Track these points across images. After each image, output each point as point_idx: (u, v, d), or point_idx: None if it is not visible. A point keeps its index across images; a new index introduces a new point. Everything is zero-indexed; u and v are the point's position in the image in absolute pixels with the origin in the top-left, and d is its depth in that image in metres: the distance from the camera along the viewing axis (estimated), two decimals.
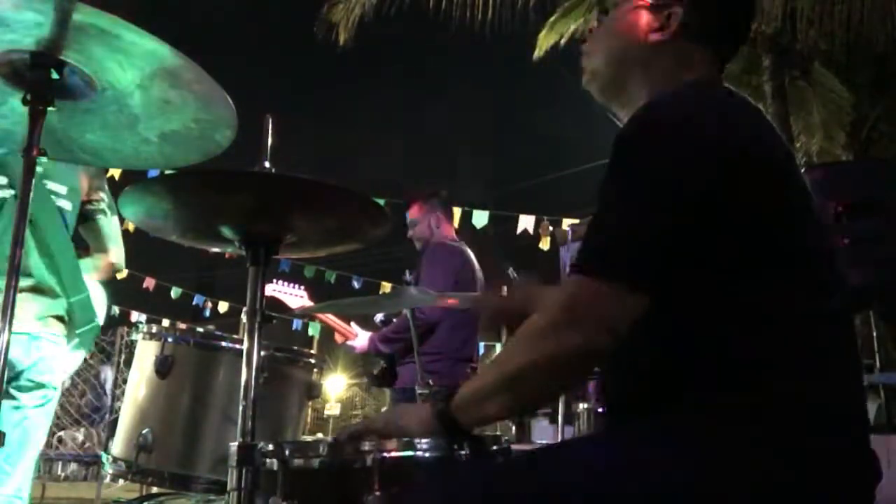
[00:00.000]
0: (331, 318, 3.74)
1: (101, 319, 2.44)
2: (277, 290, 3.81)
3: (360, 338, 3.53)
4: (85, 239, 2.53)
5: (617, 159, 1.11)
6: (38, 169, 2.28)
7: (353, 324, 3.61)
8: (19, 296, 2.16)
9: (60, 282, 2.29)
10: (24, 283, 2.20)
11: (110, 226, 2.52)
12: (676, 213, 1.03)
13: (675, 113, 1.10)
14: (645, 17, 1.27)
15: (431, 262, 3.38)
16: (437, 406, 1.17)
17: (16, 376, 2.21)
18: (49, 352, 2.28)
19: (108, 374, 7.90)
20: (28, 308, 2.23)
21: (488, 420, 1.21)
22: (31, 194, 2.17)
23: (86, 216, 2.48)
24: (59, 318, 2.32)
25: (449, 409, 1.15)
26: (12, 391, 2.20)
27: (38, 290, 2.27)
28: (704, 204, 1.03)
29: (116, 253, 2.54)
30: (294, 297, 3.88)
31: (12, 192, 2.26)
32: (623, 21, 1.30)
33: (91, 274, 2.44)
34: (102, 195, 2.51)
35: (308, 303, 3.94)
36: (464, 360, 3.38)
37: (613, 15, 1.33)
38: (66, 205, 2.38)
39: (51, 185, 2.35)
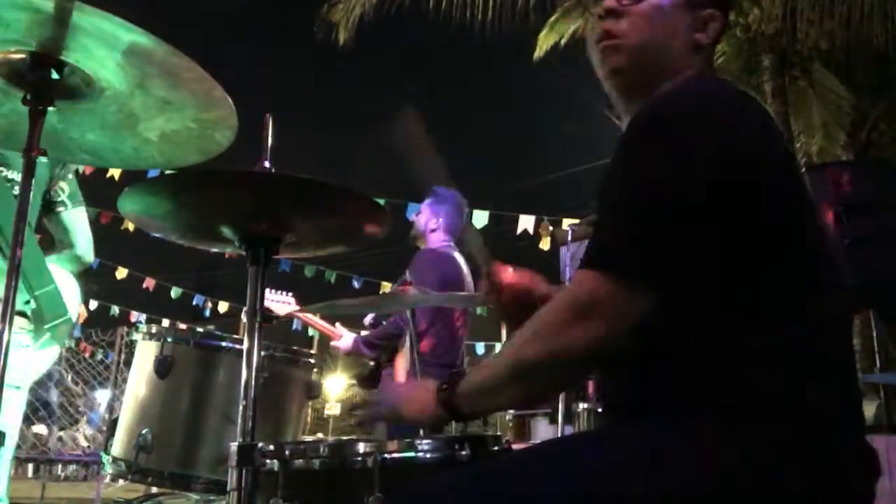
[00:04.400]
0: (314, 320, 3.73)
1: (73, 313, 2.36)
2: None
3: (345, 338, 3.53)
4: (51, 232, 2.48)
5: (628, 153, 1.10)
6: None
7: (337, 325, 3.60)
8: None
9: (25, 278, 2.15)
10: None
11: (72, 218, 2.46)
12: (686, 211, 1.03)
13: (687, 110, 1.10)
14: (686, 15, 1.24)
15: (416, 268, 3.37)
16: (442, 394, 1.16)
17: None
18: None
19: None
20: None
21: (493, 410, 1.21)
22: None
23: (48, 209, 2.41)
24: (21, 314, 2.20)
25: (454, 397, 1.15)
26: None
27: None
28: (712, 202, 1.03)
29: (83, 245, 2.48)
30: (281, 303, 3.87)
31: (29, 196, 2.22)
32: (663, 15, 1.23)
33: (60, 267, 2.38)
34: (63, 185, 2.43)
35: (295, 308, 3.94)
36: (446, 366, 3.36)
37: (651, 7, 1.23)
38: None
39: (9, 174, 2.27)
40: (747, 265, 1.05)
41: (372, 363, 3.49)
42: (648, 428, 1.04)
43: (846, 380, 1.09)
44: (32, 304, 2.20)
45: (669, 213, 1.03)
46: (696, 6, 1.24)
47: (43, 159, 2.31)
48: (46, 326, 2.24)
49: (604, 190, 1.12)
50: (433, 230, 3.55)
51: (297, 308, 3.97)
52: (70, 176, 2.51)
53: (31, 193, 2.25)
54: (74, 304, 2.39)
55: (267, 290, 3.89)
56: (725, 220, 1.03)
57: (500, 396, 1.13)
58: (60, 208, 2.44)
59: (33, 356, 2.26)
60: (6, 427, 2.20)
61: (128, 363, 2.24)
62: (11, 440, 2.27)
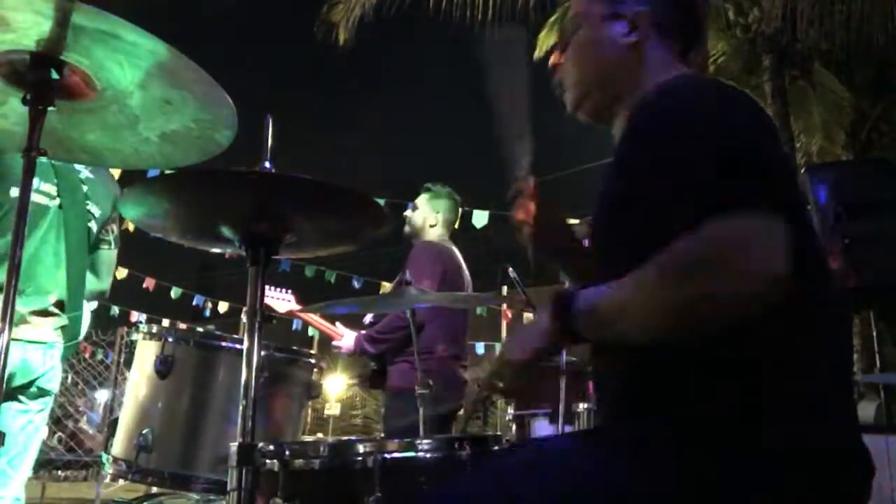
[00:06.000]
0: (315, 319, 3.72)
1: (80, 337, 2.53)
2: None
3: (347, 338, 3.51)
4: None
5: (659, 130, 1.09)
6: (84, 188, 2.41)
7: (338, 324, 3.59)
8: (46, 308, 2.29)
9: (68, 298, 2.38)
10: (52, 297, 2.33)
11: (109, 257, 2.62)
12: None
13: (698, 91, 1.13)
14: (611, 28, 1.30)
15: (417, 260, 3.36)
16: (560, 320, 1.07)
17: (28, 384, 2.30)
18: (57, 360, 2.38)
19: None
20: (49, 320, 2.34)
21: (618, 340, 1.07)
22: (74, 212, 2.30)
23: (95, 242, 2.56)
24: (63, 329, 2.41)
25: (574, 323, 1.06)
26: (21, 397, 2.30)
27: (60, 304, 2.37)
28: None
29: (107, 282, 2.66)
30: (281, 301, 3.87)
31: (58, 202, 2.35)
32: (592, 41, 1.33)
33: (85, 295, 2.53)
34: (114, 227, 2.60)
35: (295, 306, 3.93)
36: (453, 359, 3.37)
37: (578, 40, 1.35)
38: (94, 227, 2.49)
39: (91, 208, 2.45)
40: None
41: (374, 364, 3.47)
42: (641, 427, 1.04)
43: (842, 379, 1.09)
44: (66, 322, 2.39)
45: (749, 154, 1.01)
46: (616, 15, 1.30)
47: (111, 197, 2.51)
48: (64, 345, 2.41)
49: (630, 180, 1.11)
50: (433, 225, 3.56)
51: (299, 308, 3.96)
52: (118, 219, 2.69)
53: (97, 227, 2.47)
54: (84, 330, 2.54)
55: (266, 288, 3.89)
56: None
57: (638, 330, 1.02)
58: (105, 246, 2.59)
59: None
60: (39, 430, 2.39)
61: (128, 363, 2.28)
62: (38, 443, 2.41)
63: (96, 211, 2.48)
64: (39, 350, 2.30)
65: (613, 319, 1.04)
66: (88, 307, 2.54)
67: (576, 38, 1.36)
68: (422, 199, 3.62)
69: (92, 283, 2.53)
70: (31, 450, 2.34)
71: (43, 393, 2.35)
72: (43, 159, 1.30)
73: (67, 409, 8.15)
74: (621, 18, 1.30)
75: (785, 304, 1.01)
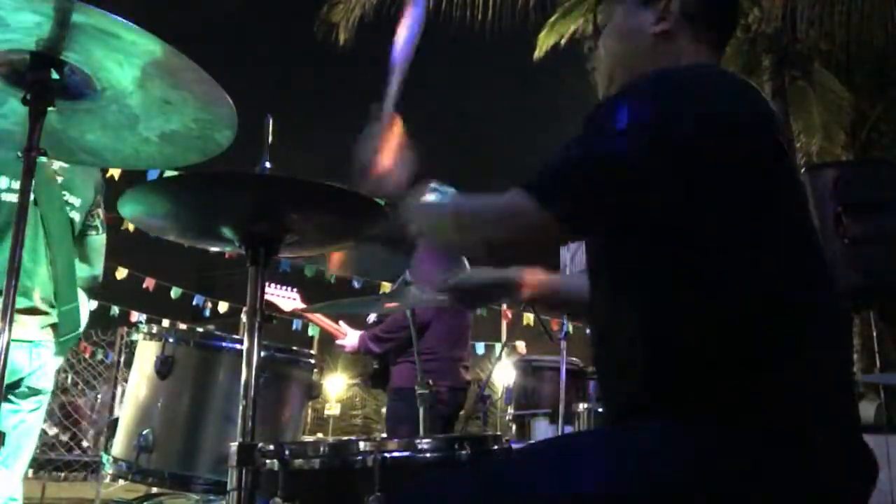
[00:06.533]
0: (319, 318, 3.74)
1: (81, 328, 2.50)
2: (270, 292, 3.80)
3: (350, 337, 3.52)
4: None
5: (596, 109, 1.13)
6: (59, 179, 2.37)
7: (341, 323, 3.60)
8: (30, 306, 2.26)
9: (57, 291, 2.36)
10: (36, 294, 2.30)
11: (99, 242, 2.60)
12: (631, 174, 1.04)
13: (676, 78, 1.15)
14: (642, 15, 1.30)
15: (429, 261, 3.36)
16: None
17: (16, 383, 2.27)
18: (46, 358, 2.35)
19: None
20: (35, 318, 2.31)
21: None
22: (51, 205, 2.28)
23: (82, 230, 2.53)
24: (53, 326, 2.38)
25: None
26: (11, 396, 2.27)
27: (45, 300, 2.34)
28: (683, 168, 1.03)
29: (99, 268, 2.63)
30: (287, 299, 3.89)
31: (32, 198, 2.29)
32: (622, 27, 1.33)
33: (79, 284, 2.50)
34: (100, 211, 2.58)
35: (301, 305, 3.95)
36: (456, 360, 3.37)
37: (611, 26, 1.36)
38: (77, 217, 2.46)
39: (69, 198, 2.43)
40: (736, 265, 1.05)
41: (376, 364, 3.48)
42: (641, 427, 1.04)
43: (842, 379, 1.09)
44: (56, 318, 2.36)
45: (597, 157, 1.06)
46: (646, 3, 1.30)
47: (91, 182, 2.49)
48: (61, 339, 2.38)
49: None
50: None
51: (304, 307, 3.99)
52: (102, 203, 2.66)
53: (80, 216, 2.45)
54: (84, 319, 2.51)
55: (273, 286, 3.91)
56: (702, 199, 1.04)
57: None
58: (92, 232, 2.56)
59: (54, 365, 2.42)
60: (33, 430, 2.36)
61: (128, 363, 2.27)
62: (33, 442, 2.40)
63: (75, 200, 2.44)
64: (24, 349, 2.26)
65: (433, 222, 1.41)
66: (85, 298, 2.51)
67: (608, 25, 1.37)
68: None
69: (83, 270, 2.50)
70: (25, 448, 2.33)
71: (34, 392, 2.32)
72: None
73: (68, 409, 8.15)
74: (652, 7, 1.29)
75: (786, 304, 1.01)
